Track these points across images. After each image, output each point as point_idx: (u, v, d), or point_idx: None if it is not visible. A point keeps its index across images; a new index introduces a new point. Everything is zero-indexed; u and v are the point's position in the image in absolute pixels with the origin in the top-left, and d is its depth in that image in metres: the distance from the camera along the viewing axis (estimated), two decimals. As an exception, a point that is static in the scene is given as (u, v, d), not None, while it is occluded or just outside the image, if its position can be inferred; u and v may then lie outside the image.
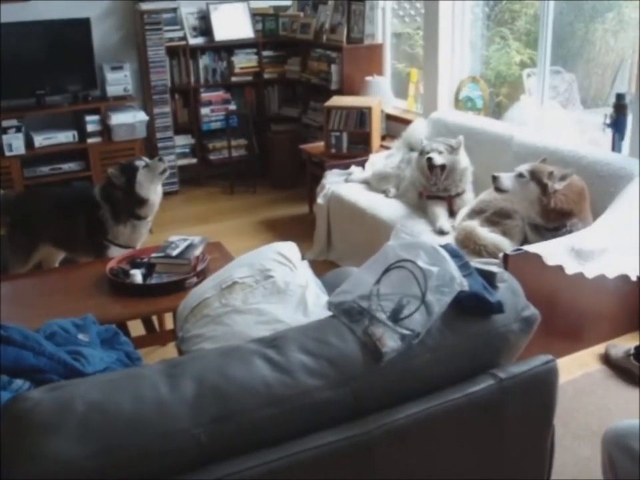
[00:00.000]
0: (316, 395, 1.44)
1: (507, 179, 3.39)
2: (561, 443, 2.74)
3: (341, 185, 4.72)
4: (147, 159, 3.82)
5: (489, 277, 1.70)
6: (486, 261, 3.18)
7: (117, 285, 3.10)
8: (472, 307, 1.61)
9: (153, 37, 5.83)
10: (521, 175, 3.37)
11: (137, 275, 3.11)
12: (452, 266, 1.58)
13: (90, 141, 5.70)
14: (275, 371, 1.45)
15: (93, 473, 1.27)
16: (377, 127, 5.33)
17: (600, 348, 3.50)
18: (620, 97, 3.76)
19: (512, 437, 1.69)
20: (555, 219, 3.35)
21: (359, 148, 5.26)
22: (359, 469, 1.47)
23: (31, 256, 3.92)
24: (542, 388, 1.71)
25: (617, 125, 3.78)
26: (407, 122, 5.12)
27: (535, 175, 3.35)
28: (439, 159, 3.94)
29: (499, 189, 3.41)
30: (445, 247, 1.70)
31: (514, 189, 3.38)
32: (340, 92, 5.78)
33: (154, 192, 3.79)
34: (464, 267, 1.65)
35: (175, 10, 6.07)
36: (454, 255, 1.67)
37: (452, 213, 4.01)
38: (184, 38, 6.17)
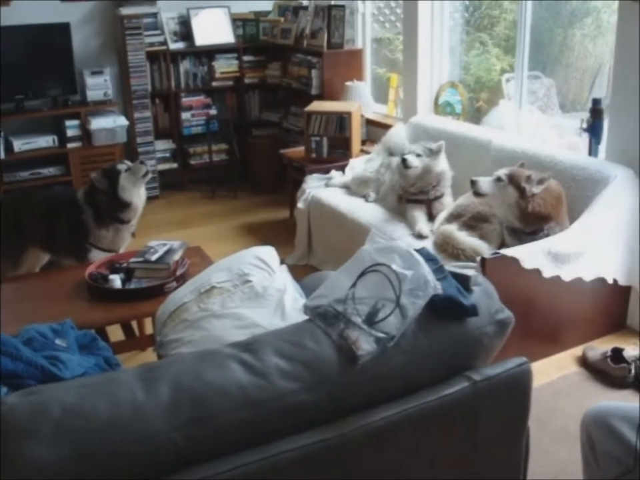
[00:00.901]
0: (291, 397, 1.45)
1: (485, 183, 3.41)
2: (538, 444, 2.77)
3: (321, 189, 4.73)
4: (129, 163, 3.83)
5: (464, 281, 1.71)
6: (463, 264, 3.20)
7: (96, 290, 3.10)
8: (446, 310, 1.63)
9: (133, 42, 5.83)
10: (499, 179, 3.39)
11: (116, 280, 3.10)
12: (426, 270, 1.60)
13: (70, 145, 5.69)
14: (250, 374, 1.45)
15: (68, 477, 1.27)
16: (357, 132, 5.35)
17: (577, 350, 3.53)
18: (596, 102, 3.80)
19: (487, 438, 1.70)
20: (532, 223, 3.39)
21: (339, 152, 5.28)
22: (334, 471, 1.49)
23: (20, 259, 3.92)
24: (516, 390, 1.73)
25: (594, 129, 3.81)
26: (387, 127, 5.15)
27: (512, 179, 3.37)
28: (413, 161, 3.98)
29: (477, 193, 3.44)
30: (420, 251, 1.72)
31: (492, 193, 3.40)
32: (320, 97, 5.80)
33: (137, 195, 3.80)
34: (438, 270, 1.67)
35: (155, 15, 6.08)
36: (428, 258, 1.68)
37: (431, 217, 4.04)
38: (164, 43, 6.17)
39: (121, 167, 3.76)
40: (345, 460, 1.49)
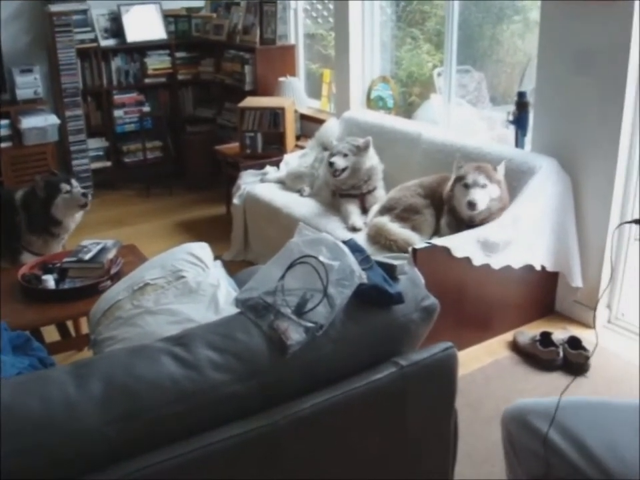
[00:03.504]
0: (223, 389, 1.48)
1: (481, 199, 3.39)
2: (471, 427, 2.87)
3: (256, 185, 4.75)
4: (74, 184, 3.76)
5: (390, 270, 1.77)
6: (396, 255, 3.27)
7: (29, 291, 3.07)
8: (373, 298, 1.68)
9: (63, 39, 5.73)
10: (483, 185, 3.41)
11: (49, 280, 3.08)
12: (352, 260, 1.65)
13: (0, 145, 5.57)
14: (182, 367, 1.47)
15: (4, 476, 1.27)
16: (290, 127, 5.39)
17: (508, 335, 3.64)
18: (521, 95, 3.91)
19: (415, 421, 1.76)
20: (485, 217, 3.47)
21: (274, 148, 5.31)
22: (267, 458, 1.52)
23: None
24: (443, 374, 1.78)
25: (519, 121, 3.93)
26: (320, 122, 5.19)
27: (492, 178, 3.43)
28: (340, 163, 4.05)
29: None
30: (347, 242, 1.76)
31: (486, 203, 3.43)
32: (254, 92, 5.82)
33: (70, 217, 3.77)
34: (364, 260, 1.72)
35: (85, 12, 5.99)
36: (355, 249, 1.73)
37: (364, 210, 4.11)
38: (95, 40, 6.10)
39: (63, 187, 3.71)
40: (276, 448, 1.52)
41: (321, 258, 1.62)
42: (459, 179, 3.46)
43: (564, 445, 1.73)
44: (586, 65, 3.42)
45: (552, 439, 1.75)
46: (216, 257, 2.31)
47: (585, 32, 3.40)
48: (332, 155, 4.10)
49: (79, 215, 3.82)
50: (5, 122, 5.57)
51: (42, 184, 3.67)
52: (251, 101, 5.48)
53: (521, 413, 1.90)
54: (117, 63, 6.29)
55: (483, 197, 3.38)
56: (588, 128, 3.50)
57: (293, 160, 4.91)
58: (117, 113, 6.27)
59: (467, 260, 3.30)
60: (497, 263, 3.38)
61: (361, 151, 4.08)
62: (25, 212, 3.71)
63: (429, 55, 5.31)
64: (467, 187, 3.41)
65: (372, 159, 4.14)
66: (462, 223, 3.50)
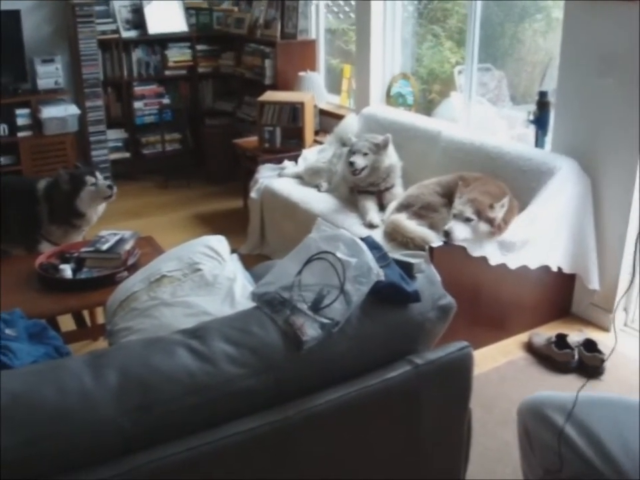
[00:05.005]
0: (238, 382, 1.48)
1: (459, 231, 3.27)
2: (484, 427, 2.86)
3: (274, 179, 4.75)
4: (99, 176, 3.78)
5: (407, 268, 1.76)
6: (413, 253, 3.25)
7: (47, 280, 3.08)
8: (389, 296, 1.67)
9: (85, 30, 5.76)
10: (468, 219, 3.30)
11: (67, 270, 3.09)
12: (369, 257, 1.64)
13: (20, 134, 5.60)
14: (197, 360, 1.48)
15: (17, 465, 1.28)
16: (309, 122, 5.38)
17: (523, 336, 3.62)
18: (542, 95, 3.89)
19: (429, 420, 1.75)
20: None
21: (292, 143, 5.30)
22: (279, 453, 1.52)
23: None
24: (457, 373, 1.78)
25: (540, 121, 3.90)
26: (340, 117, 5.19)
27: (481, 215, 3.30)
28: (360, 162, 4.03)
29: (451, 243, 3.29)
30: (365, 239, 1.76)
31: (469, 237, 3.30)
32: (274, 87, 5.82)
33: (94, 210, 3.78)
34: (382, 258, 1.71)
35: (107, 3, 6.03)
36: (373, 246, 1.73)
37: (382, 207, 4.09)
38: (117, 31, 6.12)
39: (89, 179, 3.71)
40: (290, 443, 1.53)
41: (339, 254, 1.62)
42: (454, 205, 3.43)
43: (579, 440, 1.73)
44: (609, 67, 3.39)
45: (567, 433, 1.74)
46: (232, 250, 2.31)
47: (609, 33, 3.37)
48: (351, 153, 4.08)
49: (101, 207, 3.84)
50: (25, 111, 5.61)
51: (66, 177, 3.69)
52: (270, 95, 5.48)
53: (538, 405, 1.89)
54: (137, 54, 6.31)
55: (462, 230, 3.27)
56: (609, 130, 3.47)
57: (311, 155, 4.91)
58: (137, 104, 6.30)
59: (484, 259, 3.29)
60: (513, 262, 3.36)
61: (380, 149, 4.07)
62: (47, 202, 3.73)
63: (450, 52, 5.29)
64: (454, 216, 3.37)
65: (391, 157, 4.12)
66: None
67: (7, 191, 3.84)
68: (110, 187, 3.76)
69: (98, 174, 3.80)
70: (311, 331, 1.54)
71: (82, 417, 1.35)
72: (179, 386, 1.44)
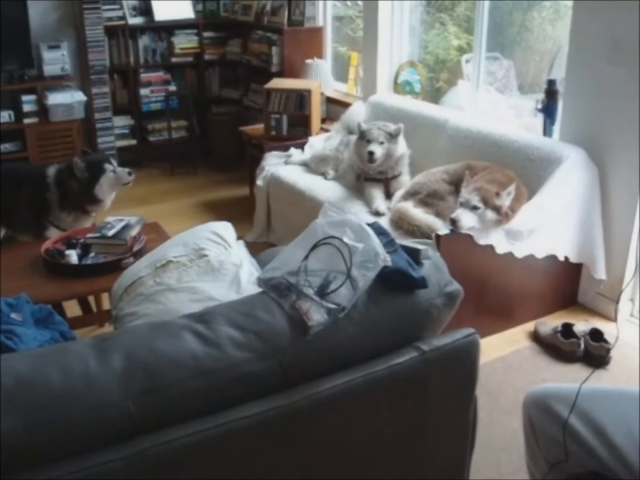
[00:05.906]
0: (244, 367, 1.48)
1: (466, 219, 3.26)
2: (490, 416, 2.86)
3: (281, 167, 4.74)
4: (114, 164, 3.81)
5: (414, 254, 1.75)
6: (419, 241, 3.24)
7: (52, 266, 3.09)
8: (396, 282, 1.67)
9: (91, 16, 5.75)
10: (475, 207, 3.29)
11: (72, 256, 3.10)
12: (376, 242, 1.63)
13: (26, 121, 5.60)
14: (203, 344, 1.47)
15: (22, 448, 1.28)
16: (316, 110, 5.37)
17: (529, 325, 3.62)
18: (551, 83, 3.86)
19: (435, 407, 1.75)
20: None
21: (299, 130, 5.29)
22: (285, 438, 1.51)
23: None
24: (464, 360, 1.77)
25: (548, 110, 3.88)
26: (347, 105, 5.17)
27: (487, 203, 3.28)
28: (379, 152, 4.00)
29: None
30: (372, 225, 1.75)
31: (475, 225, 3.29)
32: (281, 74, 5.80)
33: (110, 196, 3.82)
34: (389, 244, 1.70)
35: (114, -12, 6.00)
36: (380, 232, 1.72)
37: (388, 195, 4.08)
38: (123, 17, 6.09)
39: (108, 167, 3.75)
40: (295, 428, 1.52)
41: (345, 239, 1.61)
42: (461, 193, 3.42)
43: (584, 432, 1.72)
44: (619, 55, 3.37)
45: (572, 425, 1.74)
46: (238, 238, 2.31)
47: (619, 21, 3.34)
48: (367, 141, 4.01)
49: (115, 193, 3.86)
50: (31, 97, 5.60)
51: (82, 166, 3.69)
52: (277, 83, 5.47)
53: (542, 397, 1.88)
54: (144, 41, 6.29)
55: (469, 219, 3.27)
56: (618, 119, 3.45)
57: (318, 143, 4.89)
58: (143, 91, 6.28)
59: (490, 248, 3.28)
60: (520, 251, 3.35)
61: (392, 137, 4.04)
62: (58, 189, 3.73)
63: (456, 37, 5.26)
64: (460, 204, 3.36)
65: (402, 146, 4.10)
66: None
67: (14, 177, 3.84)
68: (130, 173, 3.79)
69: (113, 160, 3.83)
70: (317, 316, 1.54)
71: (87, 400, 1.35)
72: (184, 370, 1.43)
